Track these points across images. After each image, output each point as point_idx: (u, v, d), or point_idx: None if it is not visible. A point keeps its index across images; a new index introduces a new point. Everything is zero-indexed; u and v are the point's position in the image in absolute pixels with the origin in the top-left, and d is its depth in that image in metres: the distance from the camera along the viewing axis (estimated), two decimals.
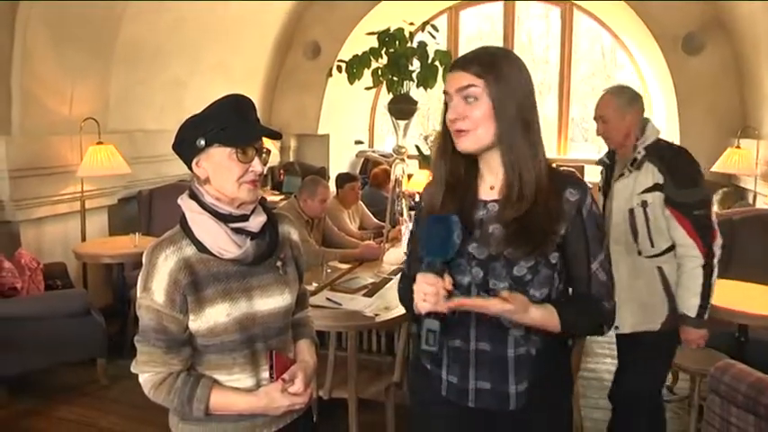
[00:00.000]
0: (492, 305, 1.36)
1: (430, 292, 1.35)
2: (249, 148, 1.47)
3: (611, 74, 9.96)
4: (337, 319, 2.97)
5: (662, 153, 2.51)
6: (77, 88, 4.78)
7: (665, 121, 7.56)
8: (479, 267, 1.46)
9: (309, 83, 7.84)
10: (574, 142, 9.28)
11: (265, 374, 1.53)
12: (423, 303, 1.36)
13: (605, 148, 2.80)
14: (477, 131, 1.44)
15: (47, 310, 3.76)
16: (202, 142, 1.44)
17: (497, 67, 1.43)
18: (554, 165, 1.52)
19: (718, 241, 2.45)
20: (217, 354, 1.50)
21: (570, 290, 1.54)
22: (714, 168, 5.94)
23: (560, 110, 8.47)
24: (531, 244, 1.41)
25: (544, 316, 1.41)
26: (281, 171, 7.70)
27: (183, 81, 6.10)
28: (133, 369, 1.50)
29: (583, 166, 7.53)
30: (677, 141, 6.93)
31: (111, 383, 3.98)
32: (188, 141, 1.46)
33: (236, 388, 1.51)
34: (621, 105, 2.57)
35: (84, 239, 4.84)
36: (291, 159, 8.13)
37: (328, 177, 7.31)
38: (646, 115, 2.62)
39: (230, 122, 1.44)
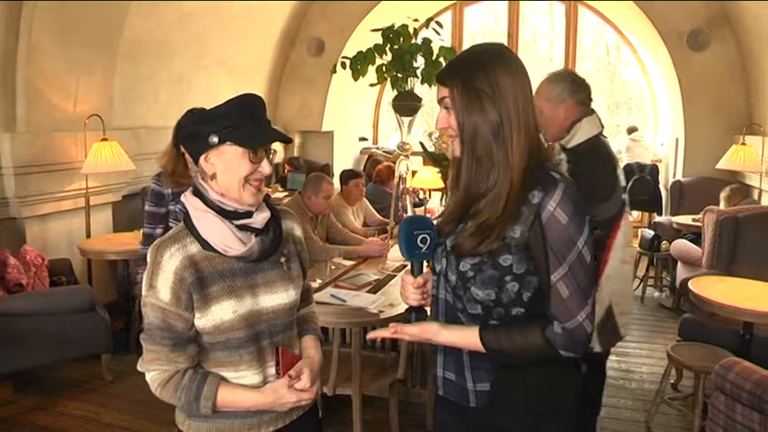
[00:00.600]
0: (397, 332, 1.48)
1: (403, 286, 1.52)
2: (261, 149, 1.48)
3: (615, 70, 9.96)
4: (341, 315, 2.97)
5: (576, 156, 2.24)
6: (82, 85, 4.78)
7: (669, 118, 7.54)
8: (445, 258, 1.49)
9: (313, 79, 7.84)
10: None
11: (272, 371, 1.53)
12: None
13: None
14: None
15: (52, 306, 3.77)
16: (215, 139, 1.44)
17: (459, 74, 1.45)
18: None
19: (612, 263, 2.18)
20: (223, 351, 1.50)
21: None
22: (719, 165, 5.93)
23: None
24: (475, 241, 1.41)
25: (457, 338, 1.45)
26: (286, 165, 7.69)
27: (186, 77, 6.10)
28: (139, 367, 1.50)
29: None
30: (682, 138, 6.91)
31: (115, 379, 3.99)
32: (200, 136, 1.46)
33: (243, 385, 1.52)
34: (556, 95, 2.34)
35: (88, 236, 4.84)
36: (296, 155, 8.13)
37: (332, 174, 7.31)
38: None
39: (244, 123, 1.45)
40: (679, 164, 7.06)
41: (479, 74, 1.42)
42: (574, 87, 2.35)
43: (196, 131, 1.47)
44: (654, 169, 7.08)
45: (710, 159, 6.20)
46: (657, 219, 6.76)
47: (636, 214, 8.17)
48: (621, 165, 7.98)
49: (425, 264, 1.54)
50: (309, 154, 8.24)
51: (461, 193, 1.50)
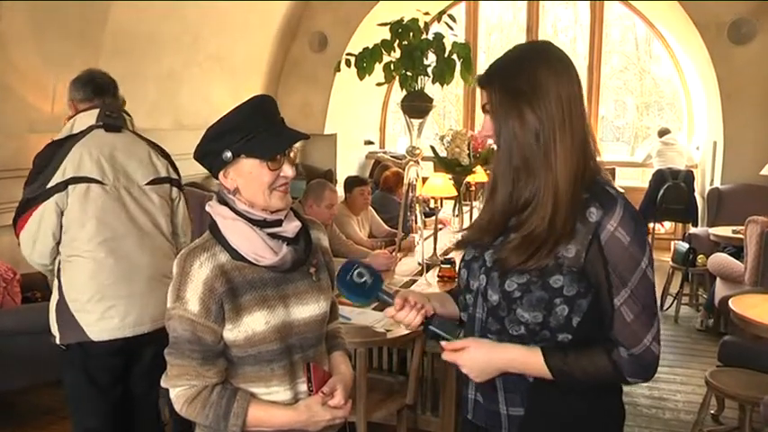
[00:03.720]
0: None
1: (395, 320, 1.53)
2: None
3: (645, 67, 9.90)
4: (345, 334, 2.89)
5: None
6: (61, 82, 4.76)
7: (706, 119, 7.47)
8: (485, 274, 1.49)
9: (315, 77, 7.84)
10: (603, 142, 9.22)
11: (303, 387, 1.60)
12: None
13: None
14: None
15: (24, 324, 3.73)
16: (229, 154, 1.50)
17: (497, 74, 1.47)
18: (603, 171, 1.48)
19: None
20: (254, 365, 1.56)
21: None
22: (764, 172, 5.86)
23: (589, 107, 8.41)
24: (522, 255, 1.39)
25: (515, 355, 1.42)
26: None
27: (177, 74, 6.07)
28: (163, 383, 1.55)
29: (614, 169, 7.50)
30: (720, 142, 6.84)
31: None
32: (213, 153, 1.52)
33: (275, 402, 1.57)
34: (70, 98, 2.77)
35: None
36: (296, 161, 8.13)
37: (335, 181, 7.29)
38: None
39: (257, 131, 1.50)
40: (717, 169, 6.99)
41: (518, 72, 1.44)
42: (75, 88, 2.79)
43: (209, 150, 1.53)
44: (688, 175, 7.02)
45: (754, 164, 6.13)
46: (693, 230, 6.70)
47: (668, 225, 8.12)
48: (652, 170, 7.90)
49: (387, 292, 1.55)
50: (310, 158, 8.22)
51: (499, 206, 1.50)
